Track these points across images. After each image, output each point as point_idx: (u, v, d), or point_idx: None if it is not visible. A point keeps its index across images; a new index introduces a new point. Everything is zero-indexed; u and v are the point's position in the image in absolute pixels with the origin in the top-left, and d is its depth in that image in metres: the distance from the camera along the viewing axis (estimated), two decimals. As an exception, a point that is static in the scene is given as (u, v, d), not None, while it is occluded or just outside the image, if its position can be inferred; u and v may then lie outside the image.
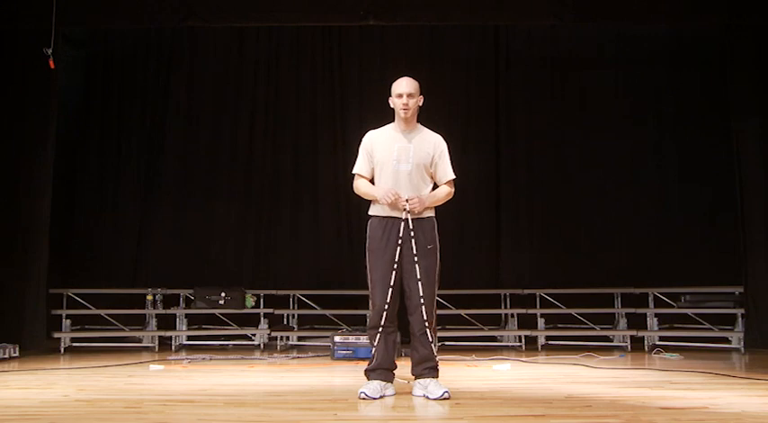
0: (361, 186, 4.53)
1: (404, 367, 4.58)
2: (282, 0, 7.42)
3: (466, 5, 7.39)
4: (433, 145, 4.48)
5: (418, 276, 4.28)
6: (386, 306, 4.30)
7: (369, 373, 4.42)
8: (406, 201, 4.31)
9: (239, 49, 8.83)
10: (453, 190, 4.54)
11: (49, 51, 6.54)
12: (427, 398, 4.26)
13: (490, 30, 8.71)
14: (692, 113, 8.41)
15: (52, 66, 6.63)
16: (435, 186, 4.54)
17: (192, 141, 8.72)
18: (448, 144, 4.56)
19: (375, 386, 4.32)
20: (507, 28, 8.67)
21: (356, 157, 4.57)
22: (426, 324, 4.30)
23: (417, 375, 4.40)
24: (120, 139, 8.68)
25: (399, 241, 4.32)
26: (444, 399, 4.20)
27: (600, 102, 8.63)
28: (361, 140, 4.58)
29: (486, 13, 7.50)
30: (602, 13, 7.43)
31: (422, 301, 4.27)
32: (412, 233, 4.31)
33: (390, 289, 4.30)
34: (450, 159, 4.53)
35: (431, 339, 4.33)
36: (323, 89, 8.79)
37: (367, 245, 4.45)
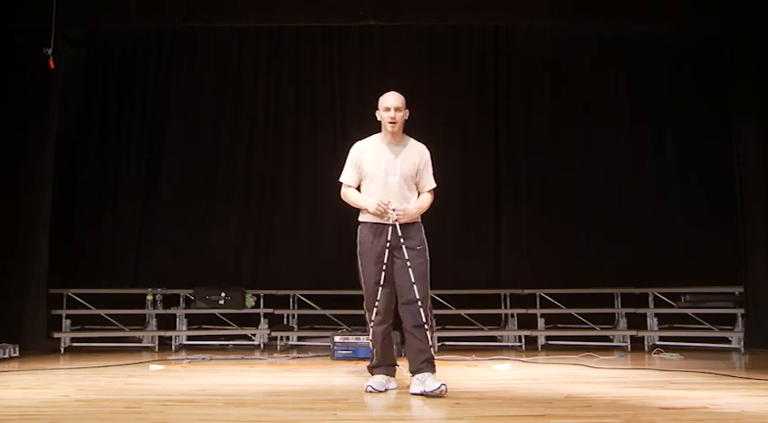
0: (350, 195, 4.67)
1: (403, 368, 4.59)
2: (282, 0, 7.43)
3: (466, 5, 7.39)
4: (418, 156, 4.64)
5: (412, 279, 4.40)
6: (377, 303, 4.45)
7: (372, 370, 4.60)
8: (393, 210, 4.43)
9: (239, 49, 8.83)
10: (434, 197, 4.68)
11: (49, 51, 6.54)
12: (426, 393, 4.29)
13: (490, 30, 8.70)
14: (692, 113, 8.40)
15: (52, 66, 6.63)
16: None
17: (191, 141, 8.71)
18: (430, 151, 4.71)
19: (380, 380, 4.50)
20: (507, 28, 8.67)
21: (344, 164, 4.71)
22: (423, 320, 4.38)
23: (415, 371, 4.44)
24: (120, 139, 8.68)
25: (388, 245, 4.46)
26: (441, 390, 4.25)
27: (600, 102, 8.63)
28: (348, 151, 4.70)
29: (486, 13, 7.50)
30: (603, 13, 7.43)
31: (418, 301, 4.38)
32: (401, 240, 4.45)
33: (381, 288, 4.45)
34: (433, 168, 4.69)
35: (426, 333, 4.40)
36: (323, 89, 8.78)
37: (358, 250, 4.61)
